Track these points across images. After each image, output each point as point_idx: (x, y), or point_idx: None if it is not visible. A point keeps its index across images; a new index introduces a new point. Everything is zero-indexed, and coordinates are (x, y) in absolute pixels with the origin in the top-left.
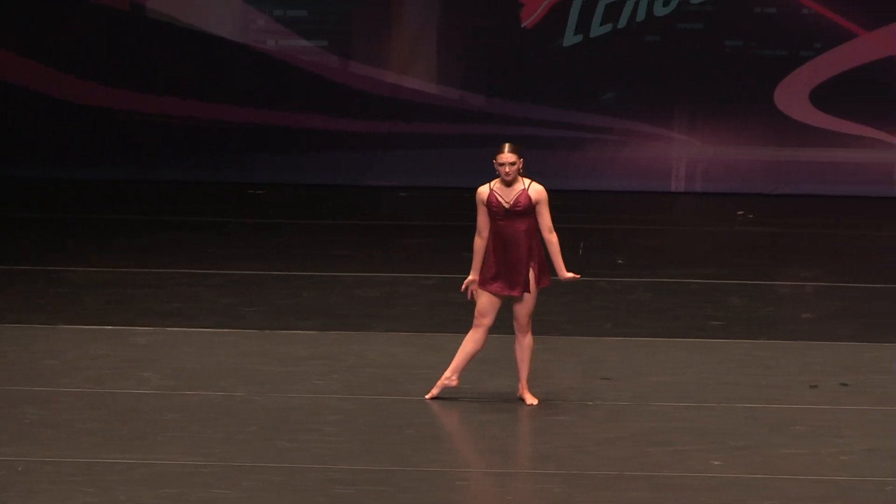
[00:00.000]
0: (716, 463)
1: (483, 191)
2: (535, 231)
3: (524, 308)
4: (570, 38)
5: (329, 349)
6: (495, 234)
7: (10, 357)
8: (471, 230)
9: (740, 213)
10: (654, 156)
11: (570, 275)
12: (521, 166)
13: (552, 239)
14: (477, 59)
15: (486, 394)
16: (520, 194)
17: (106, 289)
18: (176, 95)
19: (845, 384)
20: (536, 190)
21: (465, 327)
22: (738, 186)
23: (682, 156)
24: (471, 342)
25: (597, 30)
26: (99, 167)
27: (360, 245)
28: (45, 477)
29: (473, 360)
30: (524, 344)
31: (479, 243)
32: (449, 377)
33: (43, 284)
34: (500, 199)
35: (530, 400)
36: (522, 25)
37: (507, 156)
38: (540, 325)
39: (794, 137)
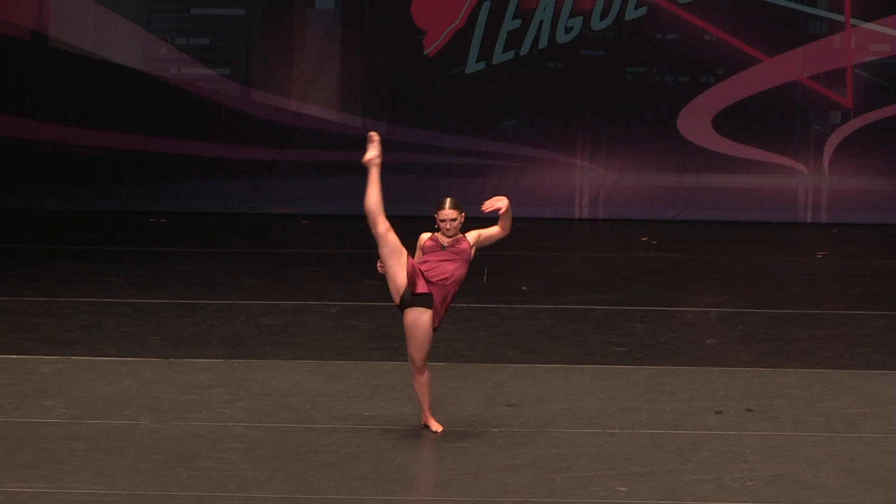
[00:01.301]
0: (621, 489)
1: (424, 239)
2: (456, 284)
3: (421, 351)
4: (473, 66)
5: (233, 377)
6: (424, 261)
7: None
8: (368, 258)
9: (644, 238)
10: (557, 182)
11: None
12: (461, 222)
13: (502, 222)
14: (379, 86)
15: (389, 420)
16: (457, 242)
17: (6, 318)
18: (77, 125)
19: (750, 410)
20: (469, 236)
21: (370, 354)
22: (641, 212)
23: (586, 182)
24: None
25: (499, 57)
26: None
27: (262, 273)
28: None
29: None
30: (422, 381)
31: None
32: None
33: None
34: (438, 240)
35: (435, 426)
36: (425, 53)
37: (448, 212)
38: (443, 351)
39: (697, 163)
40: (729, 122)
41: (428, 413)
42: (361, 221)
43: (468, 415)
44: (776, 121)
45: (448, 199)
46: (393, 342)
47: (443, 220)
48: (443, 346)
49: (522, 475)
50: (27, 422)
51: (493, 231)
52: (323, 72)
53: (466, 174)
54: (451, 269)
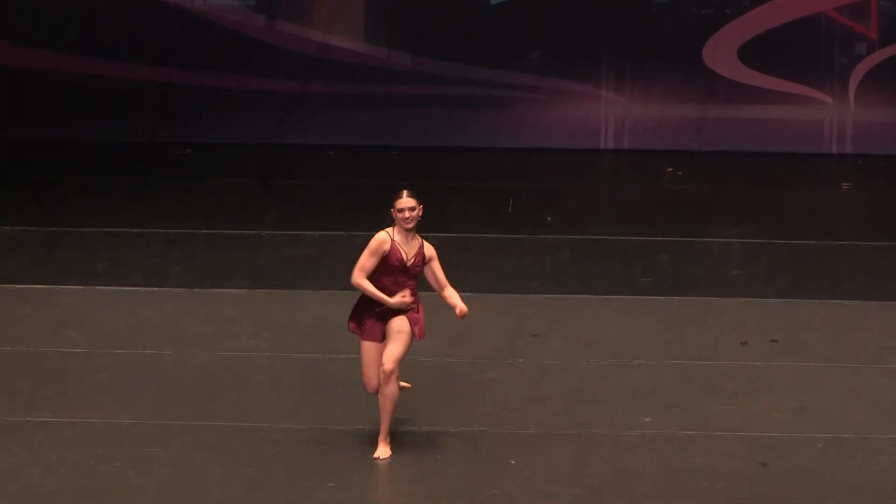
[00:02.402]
0: (646, 421)
1: (385, 240)
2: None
3: (397, 349)
4: None
5: (258, 308)
6: (381, 286)
7: None
8: (395, 190)
9: (669, 169)
10: (582, 114)
11: (463, 309)
12: (420, 213)
13: (449, 293)
14: (404, 17)
15: (413, 351)
16: (417, 252)
17: (30, 248)
18: (101, 56)
19: (775, 341)
20: (430, 248)
21: None
22: (666, 143)
23: (611, 113)
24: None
25: None
26: (23, 127)
27: (287, 204)
28: None
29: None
30: (387, 393)
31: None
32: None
33: None
34: (402, 253)
35: (383, 453)
36: None
37: (406, 200)
38: (469, 283)
39: (722, 94)
40: (754, 53)
41: (385, 433)
42: (386, 153)
43: (493, 347)
44: (801, 52)
45: (406, 190)
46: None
47: (401, 210)
48: (468, 278)
49: (547, 407)
50: (51, 353)
51: (440, 279)
52: (348, 3)
53: (491, 106)
54: (411, 286)
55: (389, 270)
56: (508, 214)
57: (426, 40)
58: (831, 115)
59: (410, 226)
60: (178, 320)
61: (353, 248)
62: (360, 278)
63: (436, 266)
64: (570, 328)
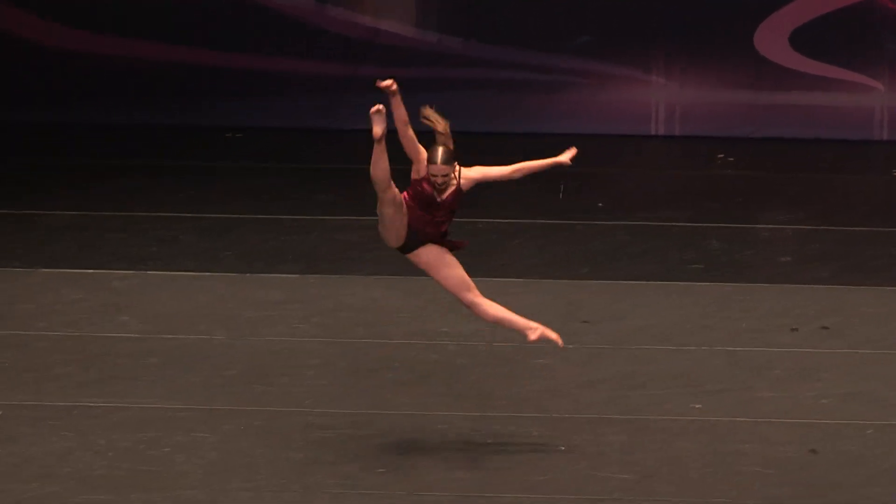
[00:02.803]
0: (696, 406)
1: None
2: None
3: (455, 275)
4: None
5: (308, 293)
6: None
7: None
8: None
9: (720, 156)
10: (632, 99)
11: (569, 153)
12: (455, 174)
13: (521, 167)
14: (455, 2)
15: (464, 336)
16: (453, 192)
17: (80, 233)
18: (151, 39)
19: (825, 327)
20: (465, 174)
21: None
22: (717, 130)
23: (661, 99)
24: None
25: None
26: (73, 111)
27: (338, 189)
28: (23, 421)
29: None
30: (486, 309)
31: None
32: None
33: (17, 228)
34: (433, 187)
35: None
36: None
37: (440, 167)
38: (519, 268)
39: (773, 80)
40: (805, 39)
41: (524, 323)
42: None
43: None
44: (852, 39)
45: (441, 147)
46: (469, 258)
47: (433, 176)
48: (518, 263)
49: (598, 392)
50: (101, 337)
51: (502, 172)
52: None
53: (542, 90)
54: (444, 228)
55: (420, 201)
56: (559, 200)
57: (477, 24)
58: (882, 102)
59: (443, 189)
60: (229, 305)
61: None
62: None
63: (490, 173)
64: (620, 314)
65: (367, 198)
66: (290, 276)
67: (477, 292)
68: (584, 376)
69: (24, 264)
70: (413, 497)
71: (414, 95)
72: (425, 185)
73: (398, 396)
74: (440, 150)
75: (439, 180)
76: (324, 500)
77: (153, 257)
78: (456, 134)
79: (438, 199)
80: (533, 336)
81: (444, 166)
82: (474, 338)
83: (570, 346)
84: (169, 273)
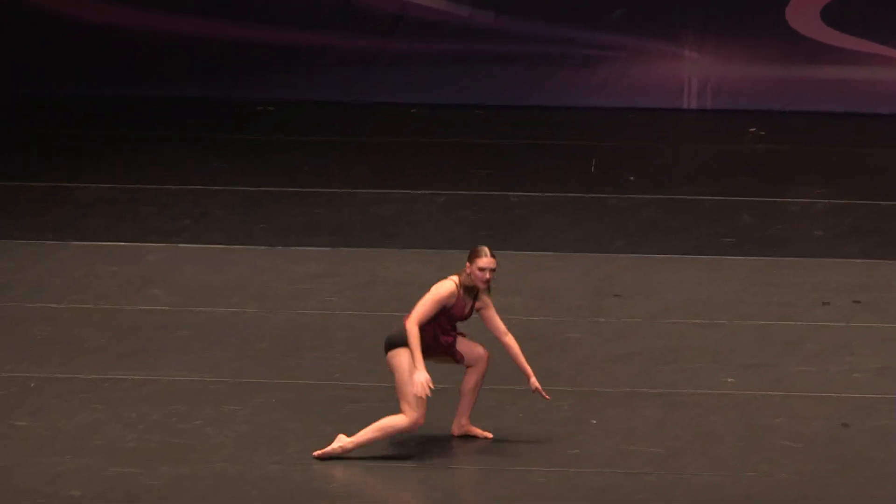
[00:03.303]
0: (728, 381)
1: (452, 294)
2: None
3: (410, 392)
4: None
5: (341, 266)
6: (428, 333)
7: (19, 274)
8: (478, 148)
9: (752, 130)
10: (664, 73)
11: (538, 386)
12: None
13: (511, 342)
14: None
15: (497, 309)
16: (473, 302)
17: (112, 205)
18: (184, 13)
19: (857, 302)
20: (484, 297)
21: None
22: (749, 104)
23: (694, 72)
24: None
25: None
26: (106, 84)
27: (370, 162)
28: (54, 394)
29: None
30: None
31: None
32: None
33: (50, 201)
34: (462, 309)
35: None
36: None
37: (490, 260)
38: (552, 242)
39: (805, 54)
40: (837, 14)
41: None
42: (469, 111)
43: (576, 306)
44: (884, 13)
45: (486, 247)
46: (502, 231)
47: (482, 269)
48: (551, 237)
49: (630, 366)
50: (132, 310)
51: (499, 325)
52: None
53: (574, 65)
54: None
55: (440, 320)
56: (591, 173)
57: None
58: None
59: (485, 286)
60: (261, 278)
61: (437, 206)
62: (415, 327)
63: (492, 313)
64: (652, 288)
65: (399, 171)
66: (323, 249)
67: (411, 412)
68: (616, 351)
69: (56, 237)
70: (444, 471)
71: (444, 69)
72: (458, 308)
73: (429, 371)
74: (486, 248)
75: (486, 276)
76: (354, 473)
77: (185, 230)
78: (488, 108)
79: (463, 316)
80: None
81: (492, 259)
82: (507, 311)
83: (602, 321)
84: (201, 246)
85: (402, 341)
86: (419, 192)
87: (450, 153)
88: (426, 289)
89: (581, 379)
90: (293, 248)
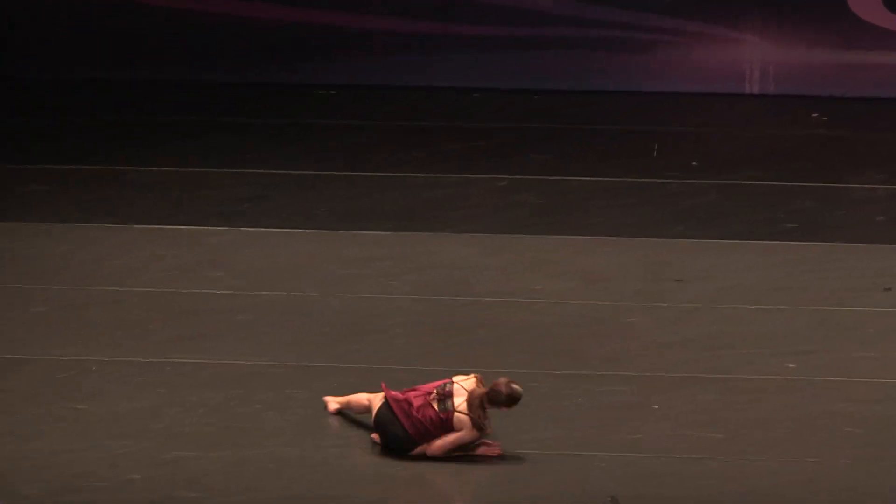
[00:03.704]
0: (788, 366)
1: (476, 437)
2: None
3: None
4: None
5: (399, 250)
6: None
7: (78, 257)
8: (537, 133)
9: (814, 115)
10: (726, 58)
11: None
12: None
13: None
14: None
15: (554, 294)
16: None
17: (172, 189)
18: None
19: None
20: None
21: (536, 228)
22: (810, 89)
23: (755, 57)
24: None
25: None
26: (165, 68)
27: (428, 146)
28: (114, 377)
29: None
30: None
31: None
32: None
33: (109, 185)
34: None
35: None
36: None
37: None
38: (611, 227)
39: (867, 39)
40: None
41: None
42: (529, 95)
43: (635, 290)
44: None
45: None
46: (561, 216)
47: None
48: (610, 222)
49: (689, 351)
50: (193, 293)
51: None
52: None
53: (635, 49)
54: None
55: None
56: (652, 158)
57: None
58: None
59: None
60: (320, 261)
61: (495, 190)
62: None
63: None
64: (711, 272)
65: (458, 156)
66: (381, 233)
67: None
68: (675, 335)
69: (116, 220)
70: (508, 456)
71: (505, 54)
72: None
73: (488, 354)
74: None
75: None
76: (417, 456)
77: (245, 214)
78: (548, 92)
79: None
80: None
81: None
82: (565, 296)
83: (662, 305)
84: (261, 230)
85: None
86: (478, 176)
87: (509, 137)
88: (485, 272)
89: (640, 364)
90: (352, 231)
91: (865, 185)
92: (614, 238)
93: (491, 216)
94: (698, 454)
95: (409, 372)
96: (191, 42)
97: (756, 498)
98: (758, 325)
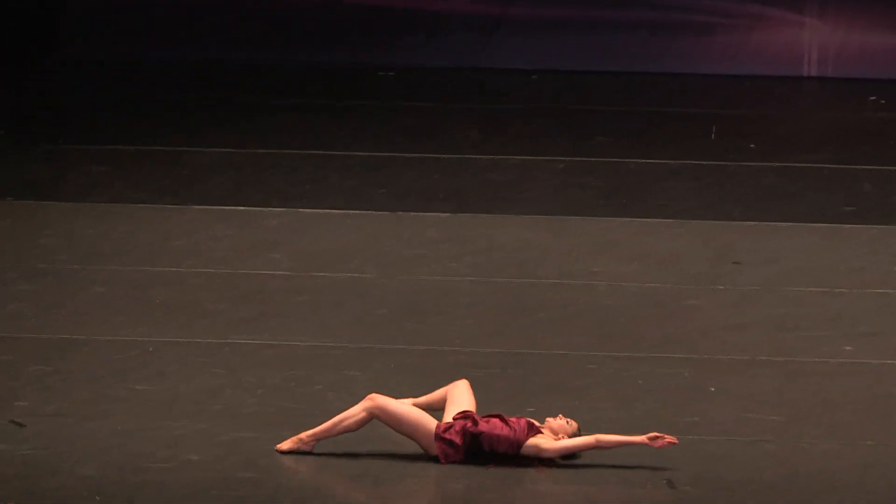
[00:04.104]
0: (847, 349)
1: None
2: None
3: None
4: None
5: (460, 232)
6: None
7: (138, 238)
8: (598, 115)
9: (873, 98)
10: (785, 40)
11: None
12: None
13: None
14: None
15: (616, 276)
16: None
17: (232, 171)
18: None
19: None
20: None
21: (598, 210)
22: (869, 72)
23: (814, 40)
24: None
25: None
26: (228, 49)
27: (489, 128)
28: (173, 358)
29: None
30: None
31: None
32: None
33: (170, 165)
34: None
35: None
36: None
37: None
38: (670, 209)
39: None
40: None
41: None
42: (589, 77)
43: (695, 273)
44: None
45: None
46: (621, 199)
47: (558, 420)
48: (671, 204)
49: (749, 334)
50: (252, 274)
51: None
52: None
53: (694, 32)
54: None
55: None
56: (711, 141)
57: None
58: None
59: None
60: (380, 243)
61: (556, 172)
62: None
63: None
64: (772, 255)
65: (519, 137)
66: (441, 214)
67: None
68: (735, 318)
69: (176, 201)
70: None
71: (565, 36)
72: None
73: (549, 336)
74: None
75: (563, 420)
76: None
77: (305, 195)
78: (607, 74)
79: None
80: None
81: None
82: (625, 278)
83: (721, 288)
84: (321, 211)
85: None
86: (538, 158)
87: (570, 120)
88: (546, 254)
89: (700, 346)
90: (412, 213)
91: None
92: (674, 220)
93: (552, 198)
94: (757, 437)
95: (468, 354)
96: (252, 23)
97: (815, 481)
98: (818, 308)
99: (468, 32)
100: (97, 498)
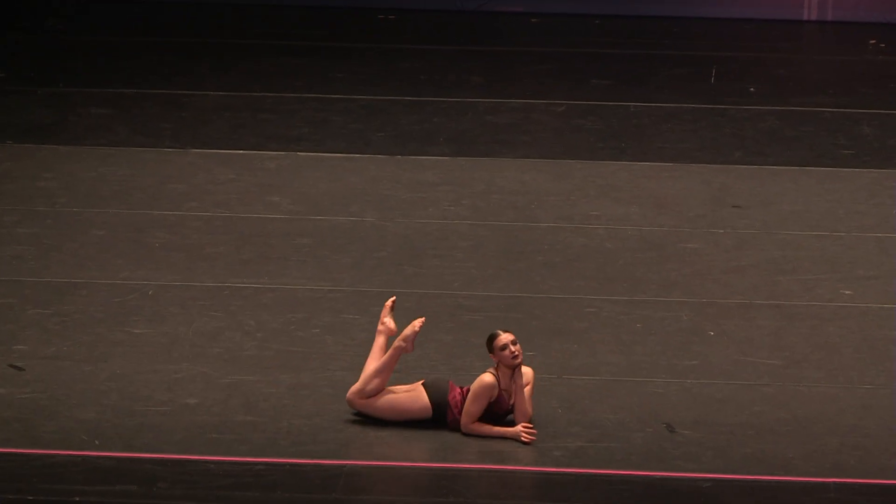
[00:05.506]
0: (845, 293)
1: (493, 386)
2: None
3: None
4: None
5: (459, 175)
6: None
7: (138, 181)
8: (602, 58)
9: (872, 41)
10: None
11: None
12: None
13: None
14: None
15: (614, 219)
16: (516, 386)
17: (232, 113)
18: None
19: None
20: (528, 372)
21: (597, 154)
22: (869, 16)
23: None
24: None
25: None
26: None
27: (489, 71)
28: (173, 301)
29: None
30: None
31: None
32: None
33: (170, 108)
34: (505, 399)
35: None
36: None
37: (506, 335)
38: (671, 152)
39: None
40: None
41: None
42: (589, 20)
43: (694, 216)
44: None
45: (497, 330)
46: (620, 142)
47: (504, 347)
48: (670, 147)
49: (747, 277)
50: (252, 217)
51: (520, 406)
52: None
53: None
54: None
55: (488, 413)
56: (711, 84)
57: None
58: None
59: (520, 360)
60: (380, 186)
61: (555, 115)
62: (471, 425)
63: (527, 391)
64: (770, 198)
65: (518, 81)
66: (441, 158)
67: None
68: (734, 261)
69: (176, 145)
70: (562, 380)
71: None
72: (502, 400)
73: (547, 280)
74: (498, 329)
75: (511, 349)
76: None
77: (305, 138)
78: (606, 17)
79: (508, 407)
80: None
81: (508, 333)
82: (624, 222)
83: (720, 231)
84: (320, 154)
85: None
86: (537, 101)
87: (569, 63)
88: (544, 198)
89: (698, 290)
90: (411, 156)
91: None
92: (673, 164)
93: (551, 141)
94: (756, 380)
95: (468, 297)
96: None
97: (814, 424)
98: (816, 251)
99: None
100: (96, 441)
